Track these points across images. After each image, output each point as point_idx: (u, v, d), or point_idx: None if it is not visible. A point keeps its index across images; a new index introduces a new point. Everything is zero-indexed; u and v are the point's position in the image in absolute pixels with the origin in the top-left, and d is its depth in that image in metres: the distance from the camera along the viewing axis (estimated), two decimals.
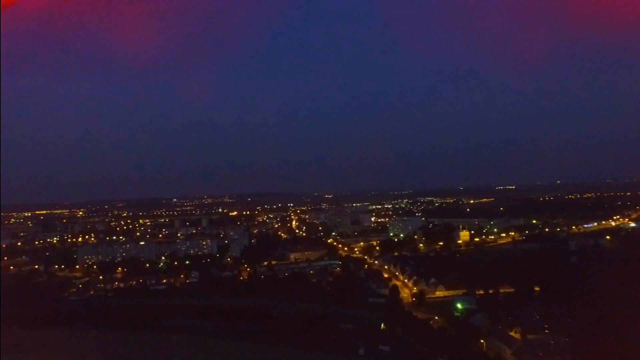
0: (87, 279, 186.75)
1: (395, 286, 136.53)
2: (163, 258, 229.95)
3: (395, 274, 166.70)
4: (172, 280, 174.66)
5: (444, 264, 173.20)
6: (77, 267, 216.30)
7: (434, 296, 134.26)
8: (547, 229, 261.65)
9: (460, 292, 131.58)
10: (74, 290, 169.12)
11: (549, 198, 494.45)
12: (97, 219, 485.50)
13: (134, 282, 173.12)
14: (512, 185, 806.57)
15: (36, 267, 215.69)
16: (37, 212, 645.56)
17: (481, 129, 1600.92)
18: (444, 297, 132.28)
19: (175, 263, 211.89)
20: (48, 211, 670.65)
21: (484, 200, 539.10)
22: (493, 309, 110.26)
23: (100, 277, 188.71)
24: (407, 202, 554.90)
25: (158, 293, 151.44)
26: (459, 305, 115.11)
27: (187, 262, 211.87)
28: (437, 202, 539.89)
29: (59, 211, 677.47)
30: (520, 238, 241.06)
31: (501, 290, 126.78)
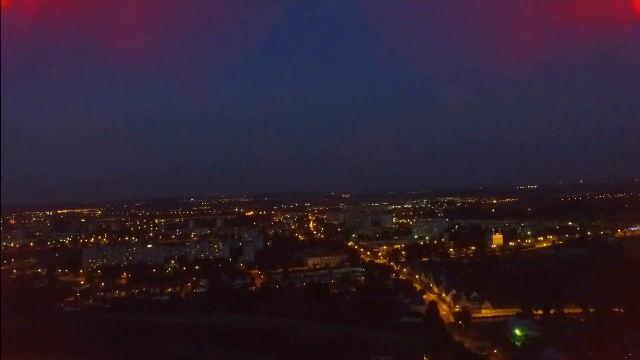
0: (88, 285, 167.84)
1: (434, 303, 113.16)
2: (172, 262, 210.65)
3: (428, 284, 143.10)
4: (178, 289, 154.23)
5: (483, 274, 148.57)
6: (81, 271, 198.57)
7: (479, 315, 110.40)
8: (588, 232, 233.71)
9: (512, 311, 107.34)
10: (71, 299, 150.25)
11: (578, 198, 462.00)
12: (113, 219, 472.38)
13: (137, 291, 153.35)
14: (533, 185, 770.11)
15: (39, 270, 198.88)
16: (58, 211, 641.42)
17: (499, 127, 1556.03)
18: (493, 317, 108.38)
19: (184, 268, 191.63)
20: (69, 210, 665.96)
21: (508, 200, 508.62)
22: (563, 337, 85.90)
23: (102, 284, 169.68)
24: (427, 202, 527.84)
25: (161, 305, 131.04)
26: (517, 332, 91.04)
27: (197, 267, 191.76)
28: (459, 202, 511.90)
29: (78, 210, 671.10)
30: (560, 242, 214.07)
31: (565, 311, 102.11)
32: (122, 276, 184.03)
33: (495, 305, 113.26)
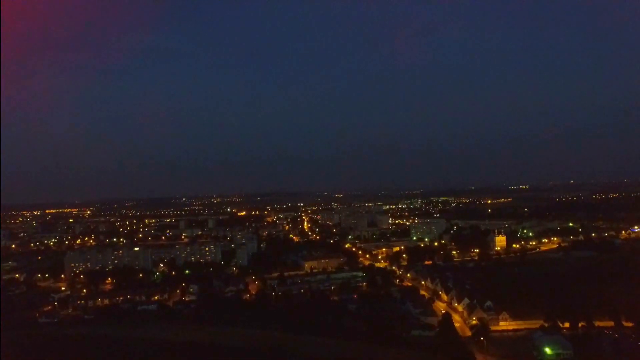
0: (68, 292, 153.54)
1: (447, 315, 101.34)
2: (161, 265, 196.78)
3: (436, 291, 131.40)
4: (166, 296, 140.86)
5: (493, 279, 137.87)
6: (63, 276, 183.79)
7: (497, 328, 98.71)
8: (593, 234, 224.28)
9: (534, 323, 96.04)
10: (49, 308, 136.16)
11: (572, 198, 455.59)
12: (102, 219, 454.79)
13: (121, 299, 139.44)
14: (524, 185, 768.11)
15: (16, 276, 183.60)
16: (47, 210, 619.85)
17: (489, 128, 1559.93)
18: (514, 330, 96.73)
19: (173, 273, 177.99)
20: (57, 210, 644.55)
21: (502, 200, 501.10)
22: (601, 357, 74.60)
23: (84, 291, 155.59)
24: (421, 201, 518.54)
25: (146, 317, 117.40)
26: (547, 350, 79.65)
27: (187, 271, 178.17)
28: (453, 202, 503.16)
29: (68, 210, 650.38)
30: (565, 244, 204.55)
31: (596, 324, 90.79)
32: (107, 282, 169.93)
33: (514, 317, 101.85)
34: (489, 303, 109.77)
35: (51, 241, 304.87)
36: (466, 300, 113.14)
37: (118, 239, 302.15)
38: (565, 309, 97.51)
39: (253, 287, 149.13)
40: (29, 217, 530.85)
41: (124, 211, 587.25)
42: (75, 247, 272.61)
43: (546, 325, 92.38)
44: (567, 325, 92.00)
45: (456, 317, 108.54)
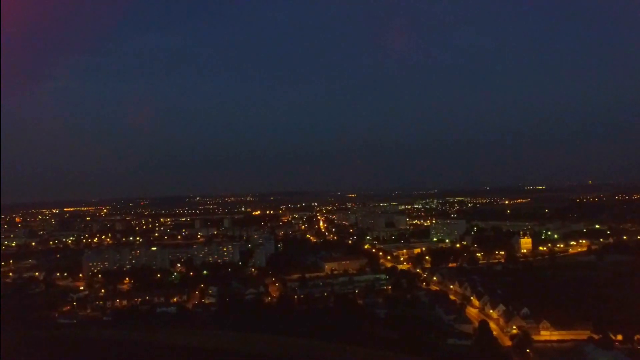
0: (87, 292, 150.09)
1: (485, 323, 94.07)
2: (178, 265, 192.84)
3: (466, 296, 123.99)
4: (185, 298, 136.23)
5: (525, 284, 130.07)
6: (81, 275, 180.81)
7: (540, 338, 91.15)
8: (624, 237, 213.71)
9: (580, 334, 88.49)
10: (67, 308, 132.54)
11: (594, 199, 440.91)
12: (118, 218, 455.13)
13: (139, 300, 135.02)
14: (541, 185, 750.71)
15: (36, 274, 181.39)
16: (65, 209, 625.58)
17: (503, 127, 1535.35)
18: (559, 341, 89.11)
19: (191, 273, 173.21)
20: (75, 208, 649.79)
21: (520, 200, 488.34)
22: None
23: (102, 291, 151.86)
24: (436, 202, 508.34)
25: (165, 320, 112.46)
26: None
27: (205, 272, 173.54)
28: (470, 203, 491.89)
29: (85, 208, 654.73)
30: (595, 247, 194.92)
31: None
32: (125, 281, 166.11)
33: (556, 326, 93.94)
34: (525, 310, 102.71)
35: (69, 239, 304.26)
36: (502, 307, 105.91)
37: (134, 237, 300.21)
38: (614, 318, 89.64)
39: (273, 289, 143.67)
40: (48, 215, 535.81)
41: (139, 210, 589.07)
42: (93, 245, 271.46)
43: (595, 337, 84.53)
44: (620, 337, 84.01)
45: (491, 325, 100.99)
